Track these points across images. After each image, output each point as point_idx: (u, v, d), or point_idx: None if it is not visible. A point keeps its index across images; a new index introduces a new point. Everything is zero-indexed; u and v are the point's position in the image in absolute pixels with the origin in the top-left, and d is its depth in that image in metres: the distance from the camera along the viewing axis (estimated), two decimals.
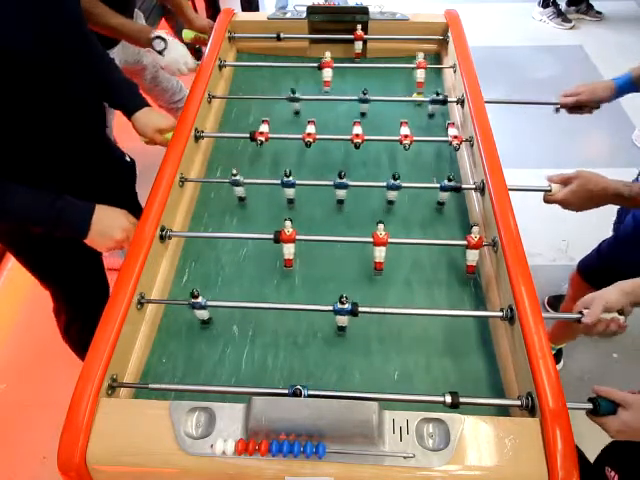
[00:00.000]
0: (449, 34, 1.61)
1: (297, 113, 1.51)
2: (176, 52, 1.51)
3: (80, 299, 1.40)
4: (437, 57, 1.71)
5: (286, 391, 0.82)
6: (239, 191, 1.24)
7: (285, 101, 1.44)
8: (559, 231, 2.32)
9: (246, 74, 1.65)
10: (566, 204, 1.13)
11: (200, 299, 0.95)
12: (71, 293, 1.38)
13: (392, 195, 1.22)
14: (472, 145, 1.29)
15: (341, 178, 1.17)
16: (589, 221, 1.98)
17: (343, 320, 0.98)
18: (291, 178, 1.17)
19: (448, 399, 0.81)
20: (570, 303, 1.64)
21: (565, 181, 1.13)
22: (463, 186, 1.23)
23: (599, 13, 3.82)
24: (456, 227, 1.22)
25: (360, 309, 0.95)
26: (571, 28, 3.73)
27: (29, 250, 1.25)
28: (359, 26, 1.59)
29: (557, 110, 1.43)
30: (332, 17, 1.62)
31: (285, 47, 1.68)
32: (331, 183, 1.19)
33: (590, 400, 0.81)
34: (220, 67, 1.54)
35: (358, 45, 1.63)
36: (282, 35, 1.62)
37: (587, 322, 0.88)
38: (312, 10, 1.61)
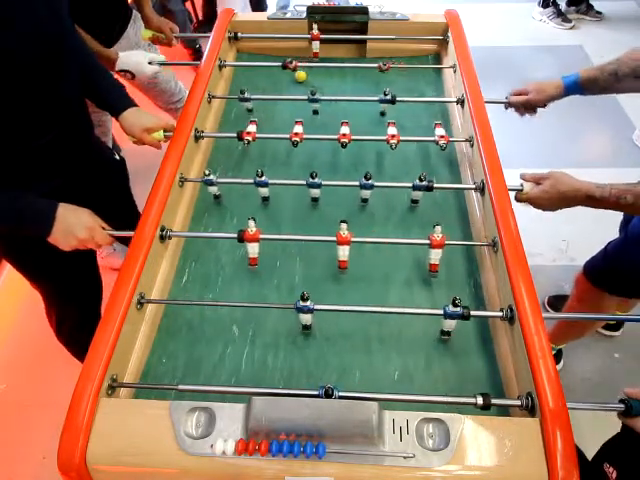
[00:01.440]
0: (449, 34, 1.61)
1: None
2: (142, 68, 1.47)
3: (71, 297, 1.39)
4: (437, 57, 1.71)
5: (285, 391, 0.82)
6: (213, 190, 1.26)
7: (285, 101, 1.44)
8: (559, 231, 2.32)
9: (246, 74, 1.66)
10: (537, 204, 1.13)
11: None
12: (62, 291, 1.37)
13: (366, 194, 1.23)
14: (472, 145, 1.29)
15: (313, 178, 1.18)
16: (589, 221, 1.98)
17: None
18: (264, 178, 1.19)
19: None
20: (574, 303, 1.63)
21: (537, 180, 1.12)
22: (463, 186, 1.23)
23: (599, 13, 3.82)
24: (457, 227, 1.22)
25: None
26: (571, 28, 3.74)
27: (18, 249, 1.24)
28: (315, 26, 1.57)
29: (506, 107, 1.44)
30: (332, 17, 1.62)
31: (285, 47, 1.68)
32: (304, 182, 1.19)
33: (621, 401, 0.81)
34: (220, 67, 1.54)
35: (315, 45, 1.61)
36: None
37: None
38: (312, 10, 1.61)
